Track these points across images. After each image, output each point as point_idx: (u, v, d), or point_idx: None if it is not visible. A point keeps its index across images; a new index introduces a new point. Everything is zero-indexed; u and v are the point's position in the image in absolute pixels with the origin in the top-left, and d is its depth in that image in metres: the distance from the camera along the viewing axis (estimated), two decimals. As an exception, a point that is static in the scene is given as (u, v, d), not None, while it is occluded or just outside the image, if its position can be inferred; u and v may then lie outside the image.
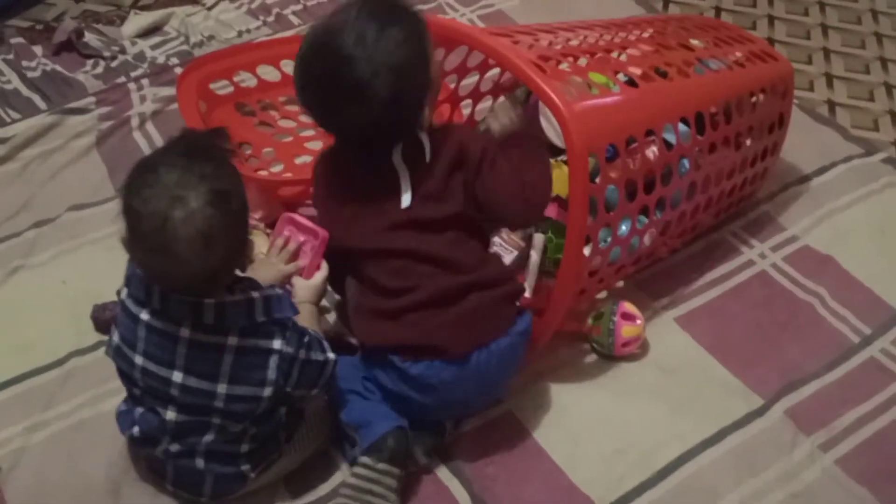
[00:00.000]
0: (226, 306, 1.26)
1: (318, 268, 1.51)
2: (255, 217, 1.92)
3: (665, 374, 1.70)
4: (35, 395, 1.62)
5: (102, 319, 1.72)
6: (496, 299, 1.46)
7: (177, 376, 1.30)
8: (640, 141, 1.63)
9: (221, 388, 1.29)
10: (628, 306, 1.71)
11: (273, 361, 1.29)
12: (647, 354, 1.73)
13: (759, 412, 1.63)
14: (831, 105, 2.44)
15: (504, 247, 1.82)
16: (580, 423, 1.61)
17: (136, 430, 1.39)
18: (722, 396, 1.66)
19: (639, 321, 1.70)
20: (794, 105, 2.32)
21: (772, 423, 1.62)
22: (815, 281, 1.89)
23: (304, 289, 1.49)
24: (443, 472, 1.52)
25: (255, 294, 1.29)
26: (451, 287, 1.43)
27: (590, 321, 1.72)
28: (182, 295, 1.24)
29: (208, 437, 1.35)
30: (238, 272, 1.35)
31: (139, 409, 1.38)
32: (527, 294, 1.82)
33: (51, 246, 1.91)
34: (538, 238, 1.83)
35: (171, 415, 1.34)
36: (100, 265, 1.82)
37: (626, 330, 1.68)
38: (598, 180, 1.52)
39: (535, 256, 1.83)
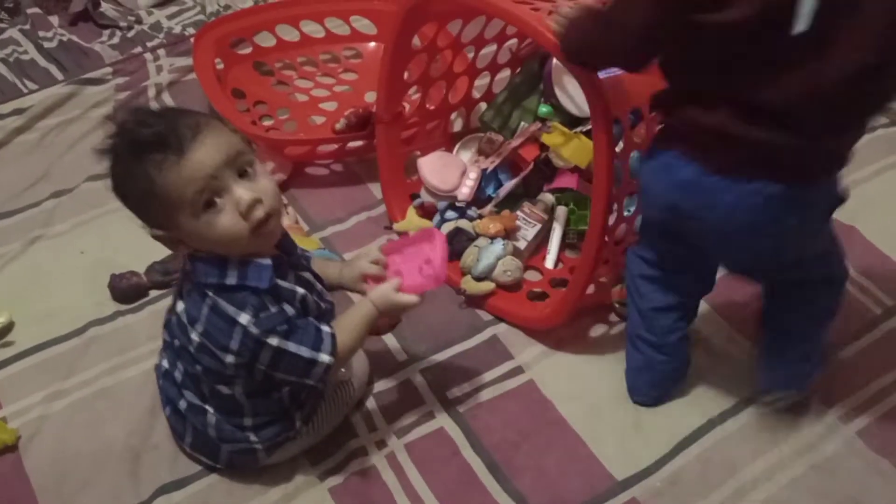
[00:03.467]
0: (196, 259, 1.26)
1: (418, 290, 1.38)
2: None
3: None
4: (55, 363, 1.63)
5: (120, 288, 1.72)
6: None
7: (179, 306, 1.32)
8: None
9: (195, 335, 1.29)
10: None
11: (237, 333, 1.25)
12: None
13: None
14: (855, 74, 2.40)
15: (527, 220, 1.81)
16: (602, 394, 1.60)
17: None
18: (743, 367, 1.64)
19: None
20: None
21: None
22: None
23: (381, 295, 1.37)
24: (461, 441, 1.52)
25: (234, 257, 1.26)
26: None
27: (617, 287, 1.70)
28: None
29: (209, 405, 1.38)
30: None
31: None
32: (548, 265, 1.82)
33: (69, 216, 1.91)
34: (560, 210, 1.83)
35: (170, 356, 1.41)
36: (117, 235, 1.82)
37: None
38: (621, 146, 1.50)
39: (557, 229, 1.82)
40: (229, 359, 1.27)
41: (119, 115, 1.24)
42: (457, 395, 1.59)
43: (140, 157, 1.18)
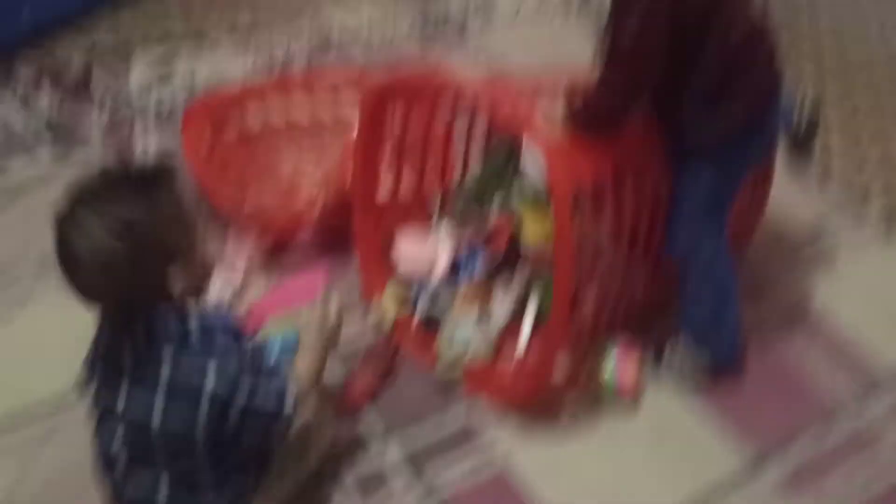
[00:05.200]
0: (155, 317, 1.21)
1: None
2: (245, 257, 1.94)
3: (657, 432, 1.69)
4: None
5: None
6: None
7: (120, 406, 1.25)
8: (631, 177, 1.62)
9: (156, 421, 1.22)
10: (623, 344, 1.75)
11: (204, 404, 1.21)
12: (642, 413, 1.72)
13: (749, 472, 1.62)
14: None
15: (502, 298, 1.83)
16: (574, 482, 1.60)
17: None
18: (714, 456, 1.65)
19: (637, 354, 1.74)
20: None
21: (761, 485, 1.61)
22: (807, 339, 1.89)
23: (308, 327, 1.43)
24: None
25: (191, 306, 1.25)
26: None
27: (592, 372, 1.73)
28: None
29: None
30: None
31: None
32: (520, 349, 1.80)
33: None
34: (532, 300, 1.83)
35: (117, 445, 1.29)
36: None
37: (628, 366, 1.72)
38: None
39: (529, 315, 1.82)
40: (200, 435, 1.24)
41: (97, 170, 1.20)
42: (431, 479, 1.59)
43: (151, 188, 1.17)
